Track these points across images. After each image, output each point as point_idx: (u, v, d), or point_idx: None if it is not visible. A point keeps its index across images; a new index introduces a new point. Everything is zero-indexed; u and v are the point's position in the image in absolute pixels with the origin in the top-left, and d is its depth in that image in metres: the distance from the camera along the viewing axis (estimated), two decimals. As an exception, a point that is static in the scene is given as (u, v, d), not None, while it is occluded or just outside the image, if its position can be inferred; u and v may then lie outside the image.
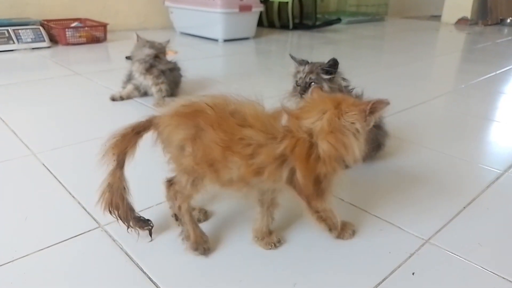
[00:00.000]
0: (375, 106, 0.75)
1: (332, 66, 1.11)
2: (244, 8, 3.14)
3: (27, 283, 0.74)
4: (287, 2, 3.78)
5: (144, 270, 0.77)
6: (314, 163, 0.74)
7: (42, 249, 0.82)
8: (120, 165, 0.79)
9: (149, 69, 1.70)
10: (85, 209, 0.95)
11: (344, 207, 1.00)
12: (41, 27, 2.75)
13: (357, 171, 1.16)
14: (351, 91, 1.15)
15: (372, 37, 3.92)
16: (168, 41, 1.79)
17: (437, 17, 5.03)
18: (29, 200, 1.00)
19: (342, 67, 1.15)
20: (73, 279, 0.75)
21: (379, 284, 0.76)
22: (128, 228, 0.82)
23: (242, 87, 2.00)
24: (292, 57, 1.19)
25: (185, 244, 0.81)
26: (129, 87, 1.78)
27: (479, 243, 0.88)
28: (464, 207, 1.01)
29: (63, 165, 1.17)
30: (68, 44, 2.84)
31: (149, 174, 0.98)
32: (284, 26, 3.93)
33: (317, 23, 4.05)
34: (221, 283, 0.75)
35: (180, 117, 0.75)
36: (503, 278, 0.78)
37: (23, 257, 0.80)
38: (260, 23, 3.57)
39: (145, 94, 1.78)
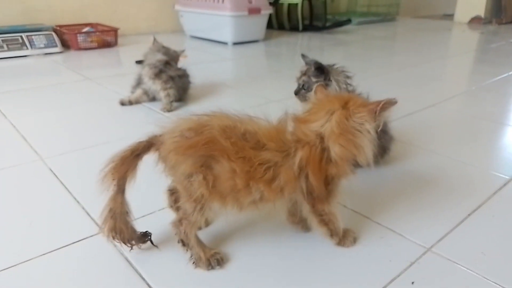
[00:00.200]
0: (385, 107, 0.74)
1: (317, 70, 1.10)
2: (253, 11, 3.14)
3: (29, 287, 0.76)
4: (296, 4, 3.77)
5: (143, 276, 0.78)
6: (325, 165, 0.75)
7: (44, 254, 0.84)
8: (120, 189, 0.77)
9: (158, 74, 1.71)
10: (88, 214, 0.97)
11: (346, 213, 0.99)
12: (53, 33, 2.80)
13: (361, 176, 1.15)
14: (353, 92, 1.14)
15: (383, 37, 3.88)
16: (183, 51, 1.82)
17: (449, 16, 4.95)
18: (34, 205, 1.02)
19: (352, 69, 1.14)
20: (74, 284, 0.76)
21: (377, 293, 0.75)
22: (131, 248, 0.82)
23: (251, 90, 2.01)
24: (303, 56, 1.18)
25: (198, 266, 0.80)
26: (138, 91, 1.80)
27: (483, 252, 0.86)
28: (469, 215, 0.99)
29: (69, 170, 1.19)
30: (79, 49, 2.89)
31: (148, 179, 0.99)
32: (294, 28, 3.92)
33: (327, 24, 4.03)
34: (219, 290, 0.76)
35: (189, 149, 0.72)
36: (506, 288, 0.77)
37: (26, 261, 0.82)
38: (269, 25, 3.57)
39: (153, 99, 1.80)
